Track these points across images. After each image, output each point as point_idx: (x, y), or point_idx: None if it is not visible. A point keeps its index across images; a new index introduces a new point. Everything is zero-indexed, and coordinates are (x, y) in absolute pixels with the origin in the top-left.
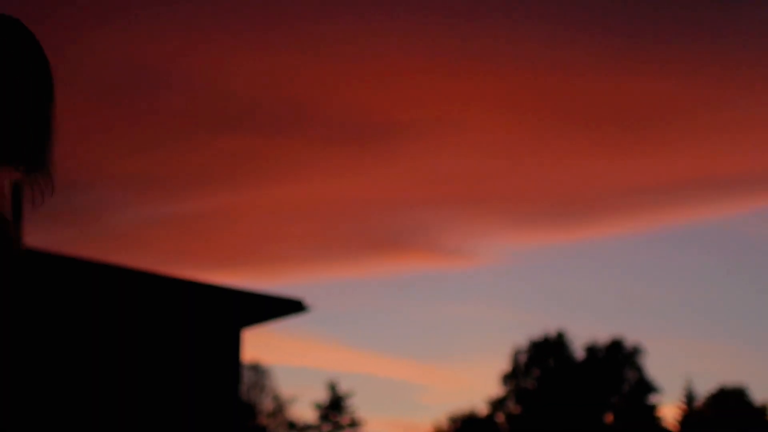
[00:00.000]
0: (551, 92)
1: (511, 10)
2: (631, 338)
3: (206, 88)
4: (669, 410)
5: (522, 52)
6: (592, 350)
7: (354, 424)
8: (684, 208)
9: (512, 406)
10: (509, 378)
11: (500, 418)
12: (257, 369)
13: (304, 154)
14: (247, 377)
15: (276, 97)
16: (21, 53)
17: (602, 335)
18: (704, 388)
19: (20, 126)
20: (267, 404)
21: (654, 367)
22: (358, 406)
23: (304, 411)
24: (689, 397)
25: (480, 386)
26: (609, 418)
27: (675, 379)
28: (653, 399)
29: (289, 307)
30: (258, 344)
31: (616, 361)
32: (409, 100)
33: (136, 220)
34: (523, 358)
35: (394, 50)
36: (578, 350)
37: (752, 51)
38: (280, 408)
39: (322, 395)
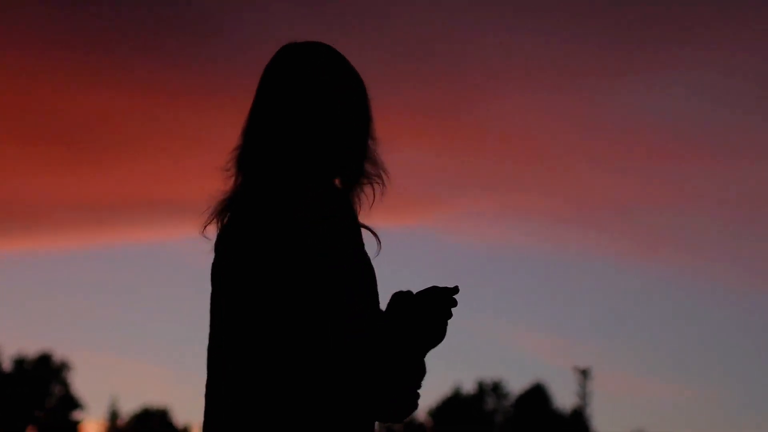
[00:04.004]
0: None
1: None
2: (59, 353)
3: None
4: (92, 427)
5: None
6: (20, 363)
7: None
8: (124, 228)
9: None
10: None
11: None
12: None
13: None
14: None
15: None
16: (344, 75)
17: (31, 348)
18: (129, 407)
19: (352, 138)
20: None
21: (80, 383)
22: None
23: None
24: (113, 415)
25: None
26: None
27: (100, 397)
28: (77, 415)
29: None
30: None
31: (44, 375)
32: None
33: None
34: None
35: None
36: (6, 362)
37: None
38: None
39: None
